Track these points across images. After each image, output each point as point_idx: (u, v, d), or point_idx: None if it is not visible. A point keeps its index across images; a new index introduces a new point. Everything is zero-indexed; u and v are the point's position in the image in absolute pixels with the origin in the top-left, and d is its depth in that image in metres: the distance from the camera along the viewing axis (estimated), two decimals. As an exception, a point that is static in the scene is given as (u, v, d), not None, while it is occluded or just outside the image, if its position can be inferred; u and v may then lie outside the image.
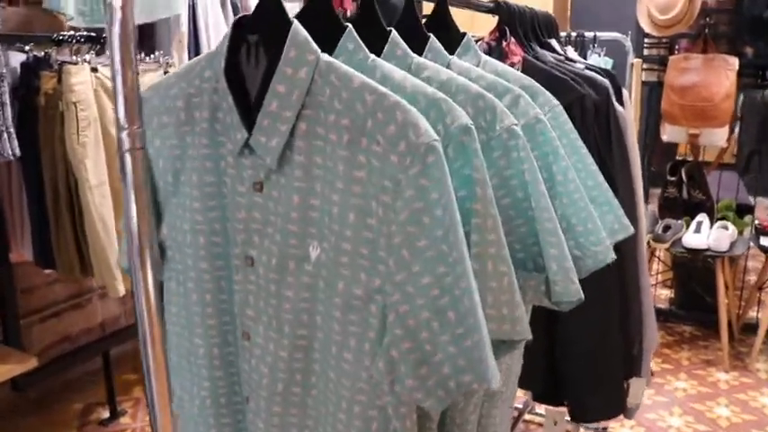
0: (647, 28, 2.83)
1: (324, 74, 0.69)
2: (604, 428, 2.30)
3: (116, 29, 0.58)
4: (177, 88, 0.80)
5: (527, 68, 1.35)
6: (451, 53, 1.06)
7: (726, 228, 2.78)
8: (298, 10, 0.79)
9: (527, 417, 2.37)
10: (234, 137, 0.75)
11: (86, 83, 1.73)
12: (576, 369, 1.45)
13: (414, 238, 0.64)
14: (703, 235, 2.73)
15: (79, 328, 2.54)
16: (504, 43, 1.36)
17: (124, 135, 0.61)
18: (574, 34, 2.15)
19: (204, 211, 0.81)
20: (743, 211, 3.08)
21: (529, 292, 0.85)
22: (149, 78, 1.84)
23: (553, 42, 1.64)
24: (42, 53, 1.78)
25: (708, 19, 2.85)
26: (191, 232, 0.83)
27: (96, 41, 1.86)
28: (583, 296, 0.82)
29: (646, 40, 3.06)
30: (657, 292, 3.34)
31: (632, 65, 2.46)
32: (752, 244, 2.85)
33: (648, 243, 2.73)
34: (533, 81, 1.04)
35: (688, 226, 2.85)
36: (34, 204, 1.85)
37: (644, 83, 3.01)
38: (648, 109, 2.98)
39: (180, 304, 0.88)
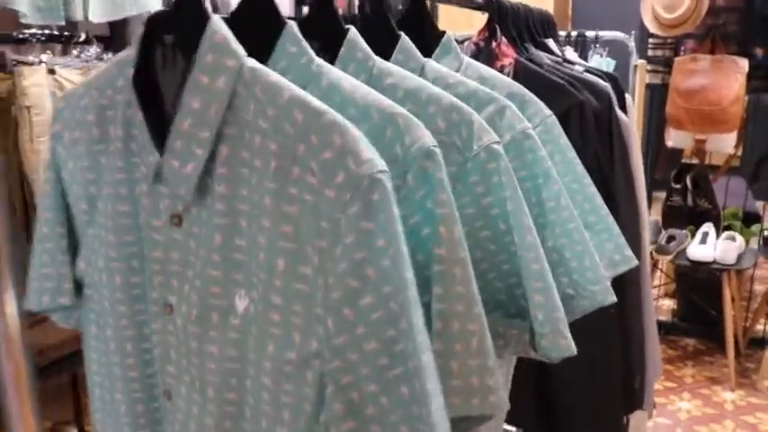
0: (651, 27, 2.68)
1: (248, 84, 0.55)
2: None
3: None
4: (88, 98, 0.66)
5: (519, 72, 1.21)
6: (429, 55, 0.92)
7: (733, 239, 2.64)
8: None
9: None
10: (146, 159, 0.61)
11: (41, 85, 1.59)
12: (570, 403, 1.31)
13: (356, 295, 0.50)
14: (709, 246, 2.59)
15: (49, 343, 2.39)
16: (494, 44, 1.22)
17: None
18: (574, 34, 2.02)
19: (119, 247, 0.67)
20: (750, 219, 2.94)
21: (511, 342, 0.71)
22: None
23: (550, 43, 1.50)
24: (-4, 52, 1.65)
25: (716, 18, 2.71)
26: (106, 270, 0.69)
27: (57, 40, 1.72)
28: (575, 351, 0.68)
29: (650, 41, 2.92)
30: (659, 303, 3.19)
31: (636, 66, 2.31)
32: (761, 256, 2.71)
33: (651, 254, 2.59)
34: (523, 88, 0.91)
35: (693, 236, 2.71)
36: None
37: (648, 85, 2.86)
38: (652, 113, 2.84)
39: (100, 351, 0.74)
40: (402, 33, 0.84)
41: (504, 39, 1.23)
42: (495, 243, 0.70)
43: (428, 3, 0.94)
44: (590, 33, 2.03)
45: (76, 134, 0.67)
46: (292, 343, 0.55)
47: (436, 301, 0.55)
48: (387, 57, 0.83)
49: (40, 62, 1.58)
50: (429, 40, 0.94)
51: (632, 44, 2.18)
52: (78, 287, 0.74)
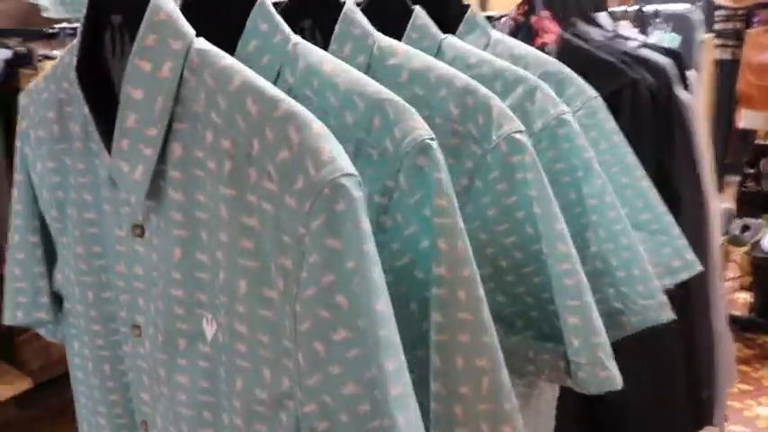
0: (719, -2, 2.46)
1: (197, 70, 0.45)
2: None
3: None
4: (47, 92, 0.58)
5: (563, 49, 1.08)
6: (452, 32, 0.81)
7: (815, 227, 2.40)
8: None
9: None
10: (103, 161, 0.52)
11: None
12: (628, 424, 1.17)
13: (328, 328, 0.40)
14: (789, 236, 2.36)
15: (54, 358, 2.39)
16: (534, 19, 1.09)
17: None
18: (635, 8, 1.84)
19: (88, 258, 0.59)
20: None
21: (544, 369, 0.60)
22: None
23: (601, 17, 1.35)
24: (25, 49, 1.62)
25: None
26: (77, 284, 0.62)
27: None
28: (620, 384, 0.56)
29: (718, 13, 2.67)
30: (734, 296, 2.95)
31: (702, 41, 2.11)
32: None
33: (724, 245, 2.38)
34: (561, 65, 0.78)
35: (770, 225, 2.48)
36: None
37: (716, 62, 2.62)
38: (722, 92, 2.60)
39: (83, 370, 0.67)
40: (417, 7, 0.73)
41: (545, 13, 1.10)
42: (521, 251, 0.59)
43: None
44: (649, 7, 1.84)
45: (40, 132, 0.60)
46: (262, 379, 0.45)
47: (435, 331, 0.44)
48: (400, 35, 0.72)
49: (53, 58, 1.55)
50: (452, 16, 0.83)
51: (698, 17, 1.97)
52: (59, 300, 0.68)
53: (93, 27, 0.51)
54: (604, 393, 0.88)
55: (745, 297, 3.01)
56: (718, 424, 1.31)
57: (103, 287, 0.60)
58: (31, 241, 0.65)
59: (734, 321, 2.26)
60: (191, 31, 0.47)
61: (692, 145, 1.16)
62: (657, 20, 1.92)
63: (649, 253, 0.77)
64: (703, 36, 2.12)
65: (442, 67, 0.59)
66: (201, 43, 0.46)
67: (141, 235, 0.52)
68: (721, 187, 2.58)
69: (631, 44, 1.24)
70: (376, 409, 0.40)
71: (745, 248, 2.42)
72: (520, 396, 0.63)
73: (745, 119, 2.52)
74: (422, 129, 0.46)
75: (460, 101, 0.57)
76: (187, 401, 0.53)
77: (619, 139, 0.76)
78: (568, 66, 1.07)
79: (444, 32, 0.82)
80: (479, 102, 0.57)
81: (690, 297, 1.13)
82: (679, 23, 2.29)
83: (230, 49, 0.52)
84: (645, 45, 1.25)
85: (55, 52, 1.60)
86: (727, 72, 2.61)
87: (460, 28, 0.82)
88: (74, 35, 1.71)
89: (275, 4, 0.58)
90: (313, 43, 0.56)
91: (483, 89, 0.57)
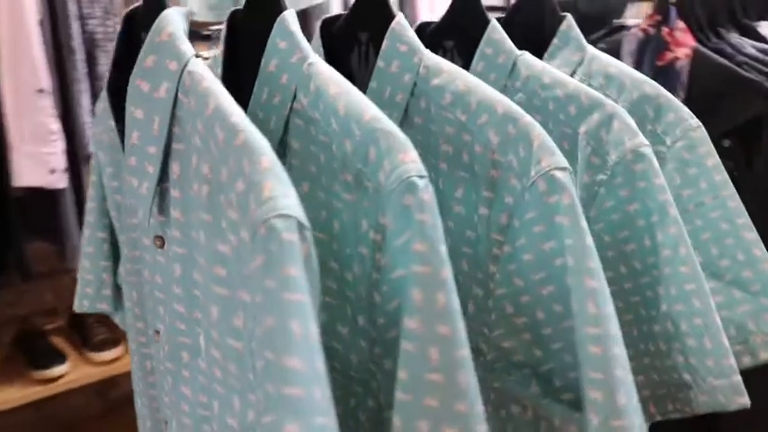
0: None
1: (188, 92, 0.45)
2: None
3: None
4: (105, 102, 0.62)
5: (697, 64, 0.94)
6: (547, 45, 0.74)
7: None
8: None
9: None
10: None
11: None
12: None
13: (275, 371, 0.37)
14: None
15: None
16: (665, 30, 0.97)
17: None
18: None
19: (132, 261, 0.62)
20: None
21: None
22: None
23: (763, 26, 1.16)
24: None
25: None
26: (126, 283, 0.65)
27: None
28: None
29: None
30: None
31: None
32: None
33: None
34: (661, 89, 0.68)
35: None
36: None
37: None
38: None
39: (133, 362, 0.70)
40: (492, 20, 0.67)
41: (680, 23, 0.97)
42: (561, 303, 0.51)
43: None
44: None
45: (104, 138, 0.64)
46: (232, 408, 0.44)
47: (399, 389, 0.40)
48: (473, 48, 0.67)
49: (206, 58, 1.66)
50: (549, 27, 0.76)
51: None
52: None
53: (128, 44, 0.53)
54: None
55: None
56: None
57: (140, 289, 0.62)
58: (99, 237, 0.70)
59: None
60: (189, 51, 0.46)
61: None
62: None
63: (749, 318, 0.65)
64: None
65: (484, 90, 0.53)
66: (194, 65, 0.46)
67: (162, 246, 0.54)
68: None
69: (796, 60, 1.06)
70: None
71: None
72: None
73: None
74: (411, 163, 0.42)
75: (501, 129, 0.51)
76: (189, 412, 0.54)
77: (721, 179, 0.64)
78: (702, 84, 0.95)
79: (541, 46, 0.76)
80: (521, 131, 0.50)
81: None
82: None
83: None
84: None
85: (210, 53, 1.73)
86: None
87: (555, 41, 0.75)
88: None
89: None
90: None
91: (526, 117, 0.51)
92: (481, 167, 0.53)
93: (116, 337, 1.86)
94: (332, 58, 0.65)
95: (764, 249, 0.65)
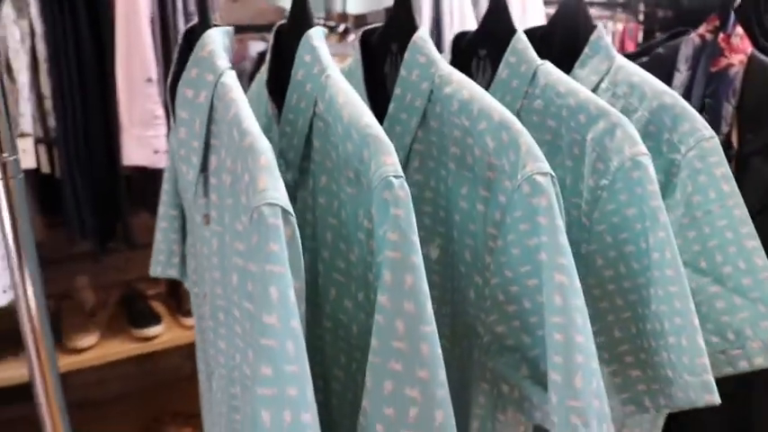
0: None
1: (220, 98, 0.54)
2: None
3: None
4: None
5: (752, 70, 0.94)
6: (579, 53, 0.79)
7: None
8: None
9: None
10: None
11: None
12: None
13: (257, 326, 0.46)
14: None
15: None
16: (721, 36, 0.96)
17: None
18: None
19: (191, 235, 0.74)
20: None
21: (508, 408, 0.59)
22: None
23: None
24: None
25: None
26: (188, 253, 0.77)
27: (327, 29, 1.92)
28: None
29: None
30: None
31: None
32: None
33: None
34: (679, 99, 0.71)
35: None
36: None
37: None
38: None
39: (195, 323, 0.83)
40: (519, 31, 0.72)
41: (738, 29, 0.96)
42: (542, 294, 0.57)
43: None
44: None
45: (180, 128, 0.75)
46: (247, 358, 0.54)
47: (371, 354, 0.47)
48: (499, 57, 0.73)
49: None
50: (582, 36, 0.80)
51: None
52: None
53: (186, 55, 0.63)
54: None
55: None
56: None
57: (196, 259, 0.74)
58: (171, 214, 0.82)
59: None
60: (223, 65, 0.56)
61: None
62: None
63: (747, 324, 0.67)
64: None
65: (484, 98, 0.59)
66: (226, 77, 0.55)
67: (208, 223, 0.64)
68: None
69: None
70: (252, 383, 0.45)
71: None
72: None
73: None
74: (390, 165, 0.49)
75: (496, 135, 0.57)
76: (224, 363, 0.64)
77: (729, 188, 0.66)
78: (755, 92, 0.95)
79: (575, 53, 0.80)
80: (512, 138, 0.56)
81: None
82: None
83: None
84: None
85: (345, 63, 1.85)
86: None
87: (586, 50, 0.79)
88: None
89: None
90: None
91: (518, 125, 0.56)
92: (480, 168, 0.59)
93: (206, 305, 2.04)
94: (369, 63, 0.73)
95: (766, 258, 0.66)
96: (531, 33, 0.79)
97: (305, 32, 0.61)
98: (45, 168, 1.62)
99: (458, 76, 0.62)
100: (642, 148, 0.61)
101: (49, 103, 1.57)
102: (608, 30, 2.70)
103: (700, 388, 0.59)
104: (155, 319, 1.87)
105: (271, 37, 0.67)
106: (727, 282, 0.67)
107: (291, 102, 0.60)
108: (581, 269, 0.65)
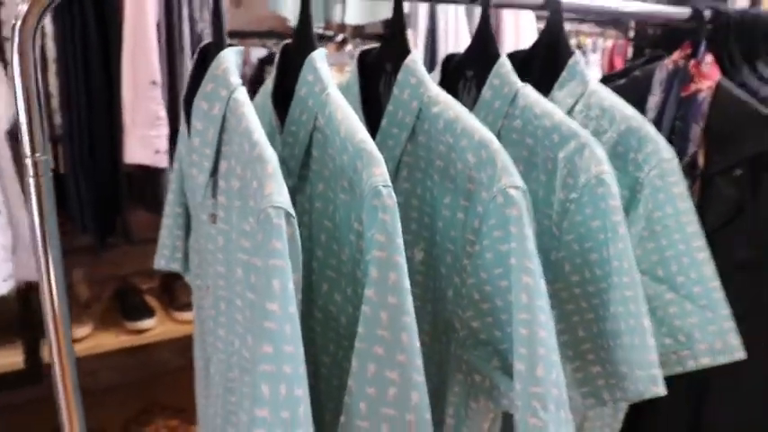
0: None
1: (232, 111, 0.61)
2: None
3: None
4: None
5: (719, 96, 1.01)
6: (557, 76, 0.86)
7: None
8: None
9: None
10: None
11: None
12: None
13: (259, 312, 0.53)
14: None
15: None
16: (692, 62, 1.04)
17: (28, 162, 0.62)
18: None
19: (195, 232, 0.80)
20: None
21: (480, 396, 0.66)
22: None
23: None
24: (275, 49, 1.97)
25: None
26: (192, 249, 0.83)
27: (324, 38, 1.99)
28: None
29: None
30: None
31: None
32: None
33: None
34: (645, 123, 0.78)
35: None
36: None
37: None
38: None
39: (195, 310, 0.89)
40: (503, 56, 0.80)
41: (708, 57, 1.04)
42: (501, 300, 0.64)
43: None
44: None
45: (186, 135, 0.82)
46: (246, 342, 0.60)
47: (357, 340, 0.54)
48: (483, 78, 0.80)
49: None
50: (561, 62, 0.87)
51: None
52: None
53: (199, 70, 0.70)
54: None
55: None
56: None
57: (200, 254, 0.80)
58: (176, 211, 0.88)
59: None
60: (236, 82, 0.63)
61: None
62: None
63: (696, 328, 0.74)
64: None
65: (467, 119, 0.66)
66: (238, 93, 0.62)
67: (214, 222, 0.71)
68: None
69: (832, 97, 1.09)
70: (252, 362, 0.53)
71: None
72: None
73: None
74: (379, 176, 0.56)
75: (476, 152, 0.64)
76: (222, 349, 0.71)
77: (684, 206, 0.74)
78: (721, 116, 1.02)
79: (553, 76, 0.87)
80: (490, 155, 0.63)
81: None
82: None
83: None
84: None
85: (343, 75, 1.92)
86: None
87: (564, 74, 0.86)
88: (320, 39, 2.02)
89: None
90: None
91: (495, 144, 0.63)
92: (461, 181, 0.66)
93: (199, 300, 2.10)
94: (365, 81, 0.80)
95: (714, 269, 0.73)
96: (513, 56, 0.86)
97: (308, 52, 0.68)
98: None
99: (444, 96, 0.69)
100: (606, 167, 0.68)
101: (55, 102, 1.63)
102: (597, 46, 2.79)
103: (648, 381, 0.66)
104: (148, 312, 1.93)
105: (277, 54, 0.74)
106: (680, 289, 0.74)
107: (294, 115, 0.67)
108: (550, 274, 0.72)
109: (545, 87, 0.85)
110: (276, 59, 0.75)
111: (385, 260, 0.54)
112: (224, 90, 0.63)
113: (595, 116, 0.81)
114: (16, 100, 0.61)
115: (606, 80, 1.15)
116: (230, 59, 0.63)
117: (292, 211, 0.52)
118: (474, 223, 0.66)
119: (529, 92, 0.77)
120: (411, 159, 0.73)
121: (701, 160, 1.01)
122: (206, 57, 0.69)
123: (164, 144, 1.71)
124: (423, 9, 2.21)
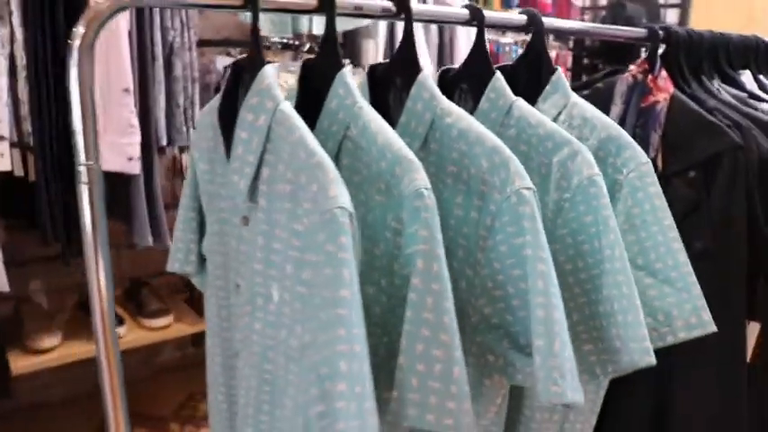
0: None
1: (279, 122, 0.68)
2: None
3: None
4: (209, 117, 0.85)
5: (673, 107, 1.14)
6: (541, 89, 0.96)
7: None
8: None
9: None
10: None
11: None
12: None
13: (331, 300, 0.60)
14: None
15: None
16: (650, 78, 1.17)
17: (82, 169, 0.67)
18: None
19: (219, 235, 0.85)
20: None
21: (494, 374, 0.74)
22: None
23: (745, 75, 1.35)
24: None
25: None
26: (212, 251, 0.88)
27: (290, 48, 2.05)
28: (570, 399, 0.68)
29: None
30: None
31: None
32: None
33: None
34: (622, 132, 0.89)
35: None
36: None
37: None
38: None
39: (210, 311, 0.94)
40: (497, 72, 0.89)
41: (662, 73, 1.17)
42: (524, 281, 0.73)
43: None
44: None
45: (203, 143, 0.87)
46: (295, 332, 0.67)
47: (405, 322, 0.62)
48: (480, 94, 0.89)
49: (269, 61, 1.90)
50: (544, 76, 0.97)
51: None
52: (204, 260, 0.95)
53: (235, 81, 0.76)
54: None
55: None
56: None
57: (223, 256, 0.85)
58: (189, 216, 0.93)
59: None
60: (280, 96, 0.69)
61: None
62: None
63: (674, 307, 0.85)
64: None
65: (478, 127, 0.75)
66: (284, 105, 0.69)
67: (246, 224, 0.76)
68: None
69: (765, 106, 1.25)
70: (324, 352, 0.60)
71: None
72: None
73: None
74: (420, 180, 0.64)
75: (490, 157, 0.73)
76: (258, 342, 0.76)
77: (660, 202, 0.85)
78: (675, 124, 1.15)
79: (537, 89, 0.97)
80: (503, 160, 0.72)
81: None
82: None
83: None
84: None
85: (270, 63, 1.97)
86: None
87: (548, 87, 0.96)
88: (284, 48, 2.08)
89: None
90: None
91: (506, 150, 0.72)
92: (475, 183, 0.75)
93: (167, 307, 2.11)
94: (374, 93, 0.87)
95: (686, 256, 0.85)
96: (500, 69, 0.95)
97: (332, 68, 0.75)
98: (18, 171, 1.66)
99: (456, 109, 0.78)
100: (596, 170, 0.78)
101: (25, 108, 1.62)
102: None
103: (642, 352, 0.76)
104: (117, 320, 1.93)
105: (298, 70, 0.80)
106: (658, 275, 0.85)
107: (323, 126, 0.74)
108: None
109: (529, 99, 0.95)
110: (297, 75, 0.81)
111: (428, 252, 0.62)
112: (270, 102, 0.69)
113: (578, 125, 0.91)
114: (71, 109, 0.66)
115: (571, 91, 1.26)
116: (273, 75, 0.70)
117: (354, 212, 0.59)
118: (487, 221, 0.74)
119: (522, 104, 0.86)
120: (422, 165, 0.81)
121: (660, 163, 1.14)
122: (237, 72, 0.75)
123: (136, 151, 1.73)
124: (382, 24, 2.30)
